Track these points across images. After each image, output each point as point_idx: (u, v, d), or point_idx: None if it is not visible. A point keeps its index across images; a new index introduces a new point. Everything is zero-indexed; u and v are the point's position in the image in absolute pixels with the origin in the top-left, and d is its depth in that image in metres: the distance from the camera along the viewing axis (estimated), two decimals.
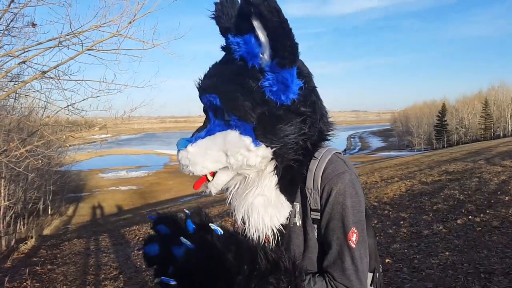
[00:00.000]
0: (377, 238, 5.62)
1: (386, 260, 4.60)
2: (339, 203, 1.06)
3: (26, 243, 11.92)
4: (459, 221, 5.66)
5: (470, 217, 5.81)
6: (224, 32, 1.12)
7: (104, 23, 4.28)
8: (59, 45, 4.25)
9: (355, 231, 1.07)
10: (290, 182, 1.10)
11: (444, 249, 4.65)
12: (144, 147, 71.63)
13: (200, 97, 1.10)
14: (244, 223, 1.10)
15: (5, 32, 4.72)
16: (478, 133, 62.92)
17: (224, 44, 1.10)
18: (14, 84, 4.87)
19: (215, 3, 1.17)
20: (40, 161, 5.02)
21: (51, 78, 4.36)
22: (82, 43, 4.16)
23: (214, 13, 1.16)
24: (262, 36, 0.97)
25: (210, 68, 1.11)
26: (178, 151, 1.07)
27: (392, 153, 56.55)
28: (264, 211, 1.07)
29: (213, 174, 1.09)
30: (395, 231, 5.77)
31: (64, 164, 21.52)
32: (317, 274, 1.10)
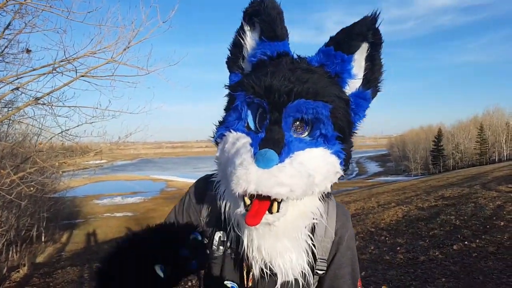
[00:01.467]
0: (373, 264, 5.55)
1: (383, 287, 4.54)
2: (350, 249, 1.07)
3: (18, 271, 11.71)
4: (455, 247, 5.61)
5: (466, 242, 5.76)
6: (331, 44, 0.98)
7: (99, 49, 4.34)
8: (53, 71, 4.29)
9: (360, 278, 1.08)
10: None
11: (441, 275, 4.60)
12: (140, 173, 71.22)
13: (292, 101, 0.88)
14: (270, 269, 0.96)
15: (0, 58, 4.78)
16: (474, 158, 63.09)
17: (322, 52, 0.99)
18: (8, 110, 4.89)
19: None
20: (32, 188, 4.98)
21: (44, 104, 4.38)
22: (76, 70, 4.20)
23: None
24: (361, 61, 0.99)
25: (284, 71, 0.92)
26: (265, 167, 0.80)
27: (389, 178, 56.53)
28: (299, 253, 0.97)
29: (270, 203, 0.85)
30: (392, 257, 5.71)
31: (58, 191, 21.32)
32: None
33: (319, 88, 0.90)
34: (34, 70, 4.26)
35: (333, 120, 0.91)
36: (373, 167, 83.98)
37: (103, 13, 6.14)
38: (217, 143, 1.02)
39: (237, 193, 0.82)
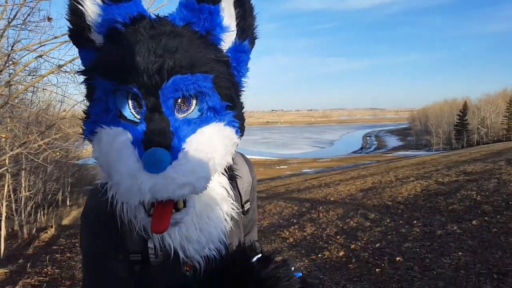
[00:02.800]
0: (389, 236, 5.59)
1: (397, 258, 4.58)
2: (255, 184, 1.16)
3: (46, 232, 12.26)
4: (474, 222, 5.57)
5: (486, 218, 5.70)
6: None
7: None
8: None
9: None
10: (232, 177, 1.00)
11: (457, 249, 4.60)
12: None
13: (167, 80, 0.74)
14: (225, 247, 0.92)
15: (22, 27, 4.84)
16: (501, 133, 61.46)
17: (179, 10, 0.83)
18: (32, 78, 5.00)
19: None
20: (58, 154, 5.14)
21: (67, 72, 4.47)
22: None
23: None
24: (231, 9, 0.86)
25: (146, 41, 0.76)
26: (158, 172, 0.68)
27: (409, 152, 55.84)
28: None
29: None
30: (408, 230, 5.73)
31: (81, 158, 21.92)
32: None
33: (193, 56, 0.76)
34: (56, 38, 4.32)
35: (218, 90, 0.80)
36: (393, 141, 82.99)
37: None
38: (90, 141, 0.85)
39: (132, 204, 0.73)
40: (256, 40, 0.93)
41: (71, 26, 0.84)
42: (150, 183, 0.67)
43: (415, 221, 6.14)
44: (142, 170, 0.68)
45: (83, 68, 0.84)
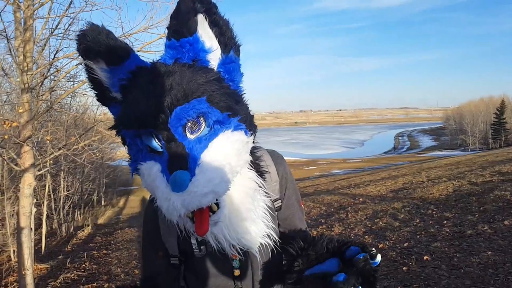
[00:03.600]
0: (417, 236, 5.59)
1: (425, 257, 4.60)
2: (291, 182, 1.24)
3: (83, 230, 12.79)
4: (506, 222, 5.49)
5: None
6: (171, 36, 0.97)
7: (151, 24, 4.59)
8: None
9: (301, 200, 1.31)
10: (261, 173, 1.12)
11: (487, 248, 4.57)
12: None
13: (170, 115, 0.88)
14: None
15: (64, 36, 5.16)
16: None
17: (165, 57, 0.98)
18: (73, 84, 5.32)
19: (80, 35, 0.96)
20: (98, 154, 5.43)
21: None
22: (133, 45, 4.49)
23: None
24: (208, 31, 0.97)
25: (146, 90, 0.92)
26: (182, 191, 0.84)
27: (444, 153, 54.28)
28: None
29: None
30: (437, 230, 5.71)
31: (115, 159, 22.69)
32: None
33: (186, 87, 0.90)
34: None
35: (215, 106, 0.92)
36: (426, 141, 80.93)
37: None
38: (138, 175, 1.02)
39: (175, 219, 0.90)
40: (240, 48, 1.04)
41: (96, 92, 1.03)
42: (180, 200, 0.84)
43: (445, 221, 6.10)
44: (171, 192, 0.85)
45: (112, 126, 1.02)
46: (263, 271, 1.12)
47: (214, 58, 0.99)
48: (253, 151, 1.11)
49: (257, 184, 1.06)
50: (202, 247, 1.09)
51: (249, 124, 1.01)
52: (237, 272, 1.11)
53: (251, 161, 1.06)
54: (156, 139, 0.93)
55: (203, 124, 0.93)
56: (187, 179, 0.84)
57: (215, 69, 0.99)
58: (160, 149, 0.93)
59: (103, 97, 1.03)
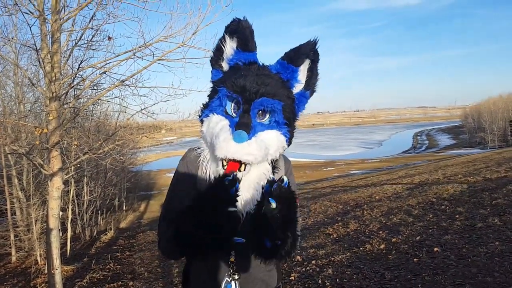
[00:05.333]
0: (430, 230, 5.74)
1: (435, 249, 4.76)
2: (292, 176, 1.58)
3: (106, 234, 13.18)
4: None
5: None
6: (285, 59, 1.43)
7: (170, 34, 4.84)
8: (134, 56, 4.89)
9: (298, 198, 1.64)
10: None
11: (495, 239, 4.71)
12: None
13: (258, 98, 1.32)
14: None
15: (87, 47, 5.49)
16: None
17: (280, 63, 1.43)
18: (97, 92, 5.66)
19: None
20: (121, 158, 5.73)
21: (128, 85, 5.04)
22: (153, 54, 4.76)
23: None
24: (305, 71, 1.45)
25: (253, 76, 1.35)
26: (239, 142, 1.24)
27: (463, 151, 53.36)
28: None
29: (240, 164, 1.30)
30: (449, 224, 5.84)
31: (136, 165, 23.24)
32: None
33: (276, 90, 1.35)
34: (117, 56, 4.91)
35: (283, 112, 1.37)
36: (445, 140, 79.68)
37: (174, 1, 6.64)
38: (201, 121, 1.43)
39: (219, 158, 1.27)
40: (314, 93, 1.52)
41: (213, 56, 1.49)
42: (234, 147, 1.24)
43: (457, 216, 6.22)
44: (231, 140, 1.25)
45: (215, 80, 1.47)
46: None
47: (297, 87, 1.46)
48: None
49: (269, 173, 1.42)
50: None
51: (290, 138, 1.44)
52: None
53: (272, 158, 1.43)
54: (232, 107, 1.37)
55: (267, 117, 1.37)
56: (246, 138, 1.26)
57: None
58: (231, 113, 1.36)
59: (215, 61, 1.48)
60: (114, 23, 4.88)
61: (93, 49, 5.60)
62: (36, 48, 4.80)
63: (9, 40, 5.74)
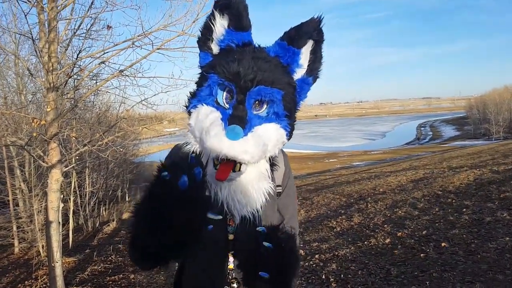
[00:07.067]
0: (436, 224, 5.61)
1: (442, 244, 4.65)
2: (292, 177, 1.44)
3: (108, 225, 13.13)
4: None
5: None
6: (285, 39, 1.23)
7: (170, 22, 4.70)
8: (133, 45, 4.74)
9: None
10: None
11: (505, 234, 4.58)
12: None
13: (254, 87, 1.14)
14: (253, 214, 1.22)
15: (86, 36, 5.35)
16: None
17: (278, 45, 1.24)
18: (96, 83, 5.53)
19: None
20: (122, 150, 5.62)
21: (127, 76, 4.90)
22: (152, 43, 4.62)
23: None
24: (307, 54, 1.26)
25: (248, 60, 1.16)
26: (234, 139, 1.06)
27: (467, 142, 53.02)
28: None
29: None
30: (456, 218, 5.71)
31: (138, 156, 23.17)
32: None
33: (275, 77, 1.17)
34: (116, 45, 4.77)
35: (283, 102, 1.19)
36: (449, 131, 79.22)
37: None
38: (189, 112, 1.24)
39: (210, 157, 1.11)
40: (317, 79, 1.32)
41: (201, 36, 1.28)
42: (228, 144, 1.05)
43: (464, 209, 6.10)
44: (224, 135, 1.06)
45: (204, 64, 1.27)
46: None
47: (299, 73, 1.26)
48: None
49: (267, 173, 1.27)
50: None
51: (291, 131, 1.26)
52: (231, 237, 1.26)
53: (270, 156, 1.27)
54: (225, 96, 1.18)
55: (264, 108, 1.19)
56: (241, 134, 1.07)
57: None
58: (223, 105, 1.18)
59: (203, 42, 1.28)
60: (113, 11, 4.73)
61: (92, 39, 5.46)
62: (33, 37, 4.67)
63: (4, 29, 5.62)
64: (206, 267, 1.26)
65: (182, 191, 0.96)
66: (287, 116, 1.21)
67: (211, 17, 1.25)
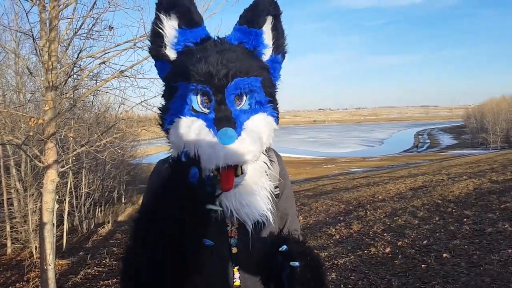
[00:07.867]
0: (437, 234, 5.54)
1: (444, 255, 4.58)
2: (288, 177, 1.35)
3: (103, 227, 13.01)
4: None
5: None
6: (243, 22, 1.16)
7: None
8: (134, 46, 4.69)
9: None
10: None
11: (508, 246, 4.52)
12: None
13: (231, 82, 1.05)
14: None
15: (87, 36, 5.28)
16: None
17: (237, 31, 1.16)
18: (96, 83, 5.45)
19: None
20: (120, 151, 5.54)
21: (127, 76, 4.83)
22: None
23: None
24: (269, 32, 1.19)
25: (214, 55, 1.07)
26: (229, 143, 0.98)
27: (464, 151, 53.09)
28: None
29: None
30: (457, 228, 5.65)
31: (136, 157, 23.07)
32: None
33: (247, 65, 1.09)
34: (117, 45, 4.71)
35: (264, 88, 1.12)
36: (446, 140, 79.35)
37: None
38: (166, 131, 1.14)
39: (209, 169, 0.98)
40: (286, 54, 1.25)
41: (151, 45, 1.16)
42: (224, 151, 0.97)
43: (465, 219, 6.03)
44: (218, 142, 0.98)
45: (165, 75, 1.16)
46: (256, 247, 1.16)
47: (267, 54, 1.19)
48: None
49: (267, 168, 1.20)
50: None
51: (277, 115, 1.19)
52: (234, 250, 1.15)
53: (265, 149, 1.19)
54: (200, 101, 1.08)
55: (244, 101, 1.11)
56: (235, 135, 0.99)
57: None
58: (200, 110, 1.08)
59: (156, 51, 1.16)
60: (115, 12, 4.67)
61: (93, 39, 5.39)
62: (33, 35, 4.60)
63: (5, 27, 5.55)
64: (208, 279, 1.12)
65: (205, 220, 0.91)
66: (270, 102, 1.16)
67: (157, 22, 1.13)
